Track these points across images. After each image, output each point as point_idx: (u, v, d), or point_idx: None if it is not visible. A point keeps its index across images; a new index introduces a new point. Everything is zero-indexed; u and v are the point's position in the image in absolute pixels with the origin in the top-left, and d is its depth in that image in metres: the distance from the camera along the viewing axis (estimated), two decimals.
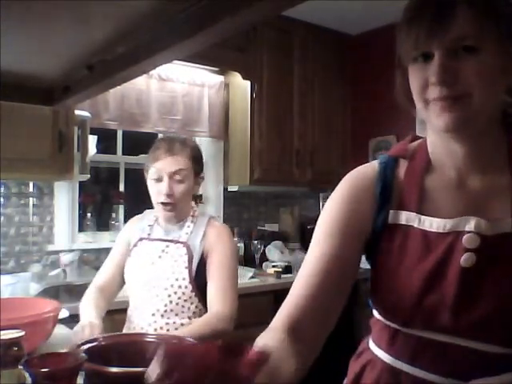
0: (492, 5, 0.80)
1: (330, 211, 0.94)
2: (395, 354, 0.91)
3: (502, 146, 0.88)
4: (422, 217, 0.87)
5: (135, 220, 1.88)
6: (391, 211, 0.90)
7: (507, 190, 0.86)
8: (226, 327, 1.57)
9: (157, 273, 1.69)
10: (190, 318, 1.66)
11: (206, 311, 1.65)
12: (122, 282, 1.80)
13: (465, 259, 0.82)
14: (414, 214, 0.88)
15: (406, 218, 0.88)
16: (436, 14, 0.79)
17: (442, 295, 0.83)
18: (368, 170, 0.96)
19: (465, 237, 0.83)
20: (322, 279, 0.88)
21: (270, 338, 0.82)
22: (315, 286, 0.87)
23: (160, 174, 1.67)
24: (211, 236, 1.71)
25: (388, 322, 0.92)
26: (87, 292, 1.76)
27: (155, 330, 1.65)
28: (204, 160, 1.82)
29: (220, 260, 1.67)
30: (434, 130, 0.89)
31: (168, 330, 1.64)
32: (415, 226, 0.87)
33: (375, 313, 0.98)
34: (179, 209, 1.71)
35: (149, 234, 1.78)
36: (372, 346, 0.99)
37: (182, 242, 1.70)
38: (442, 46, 0.79)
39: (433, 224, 0.86)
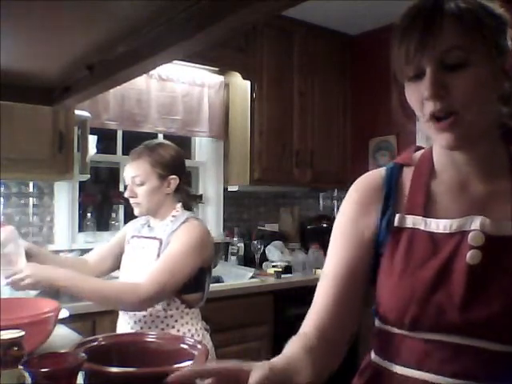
0: (479, 17, 0.82)
1: (344, 215, 1.00)
2: (402, 361, 0.91)
3: (501, 153, 0.91)
4: (428, 219, 0.90)
5: (134, 220, 2.01)
6: (397, 215, 0.92)
7: (508, 195, 0.88)
8: (134, 302, 1.64)
9: (135, 267, 1.82)
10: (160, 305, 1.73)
11: (175, 300, 1.74)
12: (109, 267, 1.97)
13: (471, 256, 0.84)
14: (420, 217, 0.90)
15: (412, 221, 0.91)
16: (424, 29, 0.82)
17: (450, 293, 0.84)
18: (376, 174, 1.01)
19: (470, 234, 0.85)
20: (344, 282, 0.94)
21: (294, 345, 0.88)
22: (339, 289, 0.94)
23: (126, 179, 1.87)
24: (180, 230, 1.79)
25: (393, 329, 0.92)
26: None
27: (134, 319, 1.75)
28: (178, 163, 1.87)
29: (171, 246, 1.74)
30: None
31: (141, 320, 1.74)
32: (421, 228, 0.90)
33: (378, 323, 0.97)
34: (147, 206, 1.84)
35: (139, 232, 1.92)
36: (376, 358, 0.97)
37: (158, 239, 1.81)
38: (432, 59, 0.82)
39: (439, 225, 0.89)
